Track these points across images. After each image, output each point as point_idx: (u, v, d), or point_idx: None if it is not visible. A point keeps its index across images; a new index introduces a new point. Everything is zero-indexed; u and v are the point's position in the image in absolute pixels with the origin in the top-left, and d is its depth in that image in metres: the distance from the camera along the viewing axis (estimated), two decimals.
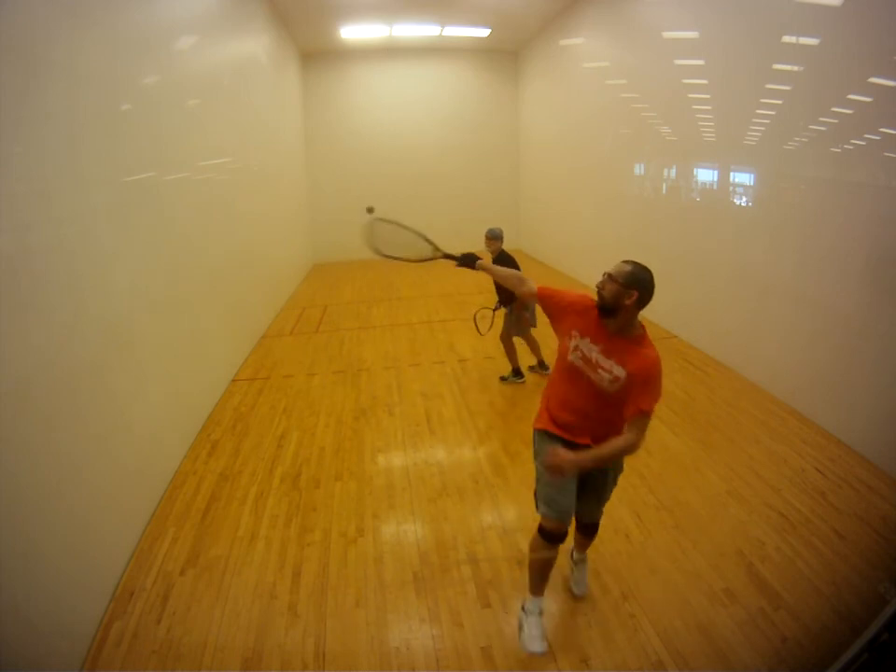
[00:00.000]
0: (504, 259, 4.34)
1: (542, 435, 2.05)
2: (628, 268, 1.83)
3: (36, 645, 1.93)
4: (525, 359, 4.81)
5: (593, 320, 1.89)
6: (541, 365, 4.71)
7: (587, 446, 1.89)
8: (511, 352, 4.61)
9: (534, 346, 4.65)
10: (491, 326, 4.57)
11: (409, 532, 2.82)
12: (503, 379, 4.67)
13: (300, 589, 2.46)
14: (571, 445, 1.90)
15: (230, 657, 2.13)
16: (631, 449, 1.77)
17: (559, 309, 2.01)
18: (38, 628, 1.93)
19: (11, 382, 1.96)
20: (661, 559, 2.54)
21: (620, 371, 1.79)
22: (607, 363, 1.82)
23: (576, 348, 1.90)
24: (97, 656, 2.15)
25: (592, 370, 1.85)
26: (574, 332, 1.92)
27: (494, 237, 4.38)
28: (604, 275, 1.88)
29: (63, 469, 2.23)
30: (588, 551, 2.42)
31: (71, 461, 2.30)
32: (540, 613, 2.06)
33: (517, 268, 4.32)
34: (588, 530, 2.29)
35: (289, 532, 2.85)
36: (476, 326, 4.43)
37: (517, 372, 4.65)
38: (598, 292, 1.86)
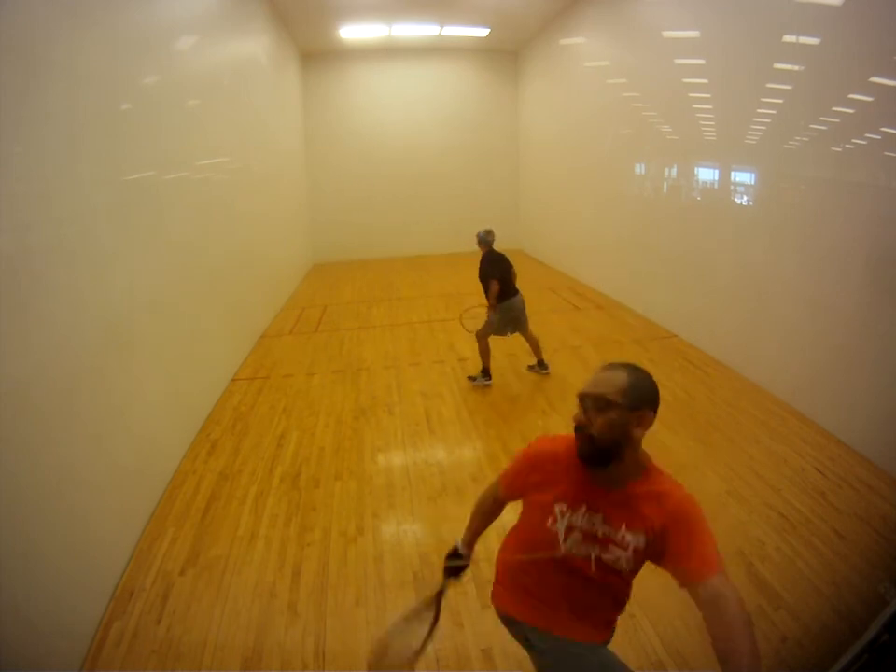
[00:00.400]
0: (491, 259, 4.39)
1: (504, 620, 1.47)
2: (624, 377, 1.18)
3: (36, 645, 1.93)
4: (524, 359, 4.82)
5: (578, 477, 1.26)
6: (541, 364, 4.70)
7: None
8: (483, 351, 4.55)
9: (534, 345, 4.65)
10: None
11: (409, 532, 2.82)
12: (471, 378, 4.60)
13: (299, 588, 2.46)
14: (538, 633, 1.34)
15: (229, 656, 2.13)
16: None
17: (527, 486, 1.37)
18: (38, 628, 1.93)
19: (11, 382, 1.96)
20: None
21: (638, 539, 1.19)
22: (618, 535, 1.21)
23: (570, 530, 1.25)
24: (97, 656, 2.15)
25: (602, 550, 1.23)
26: (559, 507, 1.26)
27: (479, 241, 4.48)
28: (583, 400, 1.20)
29: (63, 468, 2.23)
30: None
31: (70, 461, 2.30)
32: None
33: (506, 268, 4.37)
34: None
35: (289, 531, 2.85)
36: (462, 324, 4.63)
37: (485, 372, 4.57)
38: (583, 432, 1.21)
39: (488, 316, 4.46)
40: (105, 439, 2.63)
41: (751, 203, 4.48)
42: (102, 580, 2.45)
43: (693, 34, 4.95)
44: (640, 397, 1.17)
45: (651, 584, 2.38)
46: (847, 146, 3.37)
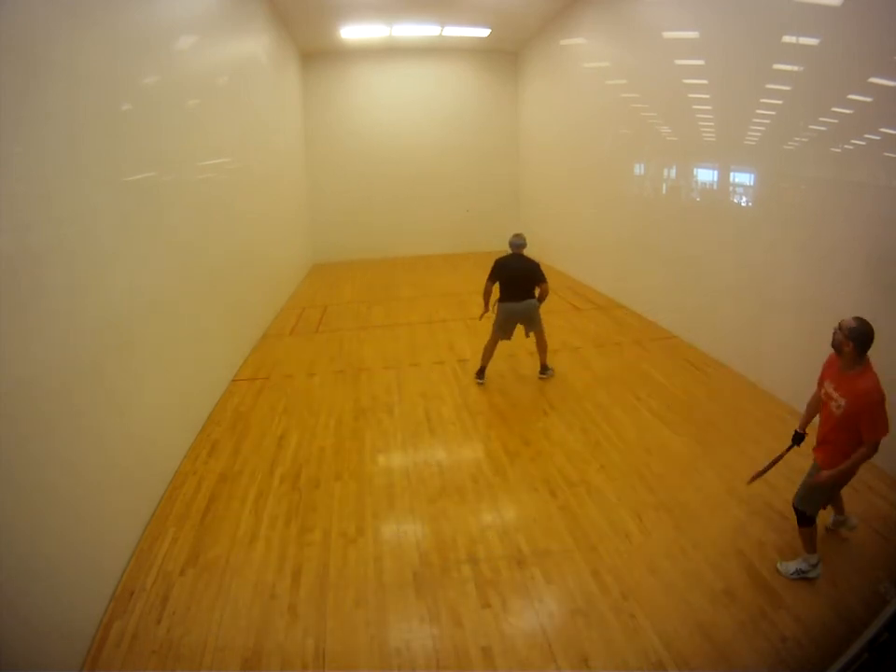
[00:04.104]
0: (497, 263, 4.38)
1: None
2: (853, 324, 2.23)
3: (36, 645, 1.94)
4: (525, 360, 4.81)
5: (834, 367, 2.41)
6: (542, 369, 4.67)
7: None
8: (485, 350, 4.58)
9: (541, 349, 4.62)
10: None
11: (409, 532, 2.82)
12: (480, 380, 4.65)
13: (300, 589, 2.46)
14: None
15: (229, 657, 2.13)
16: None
17: (821, 380, 2.53)
18: (38, 628, 1.93)
19: (11, 382, 1.96)
20: (661, 559, 2.54)
21: (842, 401, 2.27)
22: (836, 395, 2.31)
23: (826, 394, 2.39)
24: (97, 656, 2.15)
25: (830, 400, 2.35)
26: (826, 383, 2.43)
27: (515, 246, 4.43)
28: (837, 327, 2.30)
29: (63, 468, 2.23)
30: (587, 550, 2.49)
31: (70, 461, 2.30)
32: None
33: (510, 273, 4.34)
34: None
35: (289, 532, 2.85)
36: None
37: (479, 371, 4.62)
38: (834, 341, 2.32)
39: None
40: (105, 439, 2.63)
41: (751, 203, 4.49)
42: (102, 580, 2.45)
43: (693, 34, 4.95)
44: (854, 337, 2.19)
45: (651, 584, 2.39)
46: (847, 146, 3.37)
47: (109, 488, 2.59)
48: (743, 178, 4.59)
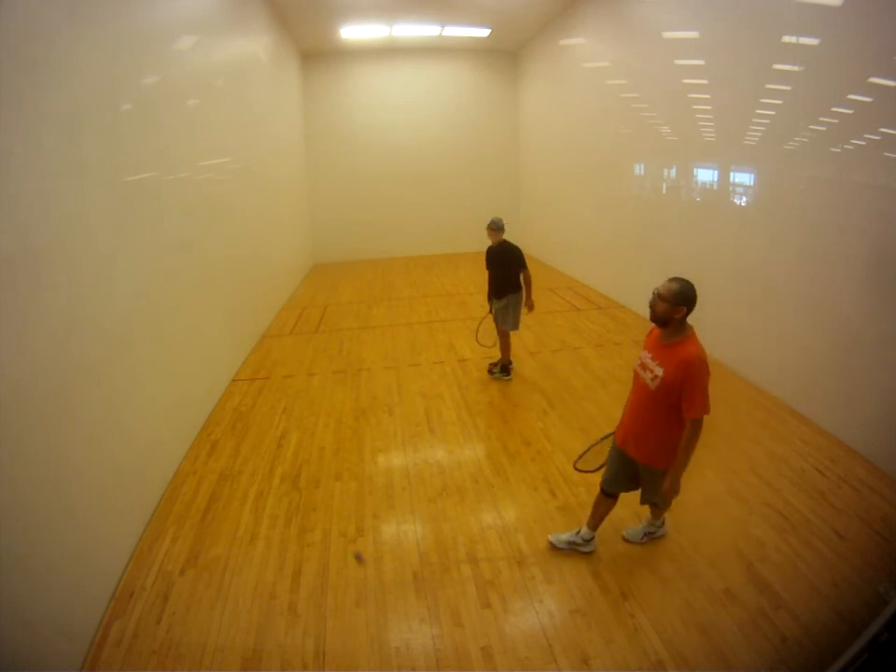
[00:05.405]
0: (506, 250, 4.36)
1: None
2: (675, 286, 2.04)
3: (36, 645, 1.93)
4: (526, 360, 4.81)
5: (654, 336, 2.25)
6: (502, 369, 4.67)
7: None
8: (504, 346, 4.63)
9: (503, 347, 4.66)
10: (494, 343, 4.73)
11: (409, 532, 2.82)
12: (492, 373, 4.71)
13: (300, 589, 2.46)
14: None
15: (229, 657, 2.13)
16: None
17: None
18: (38, 628, 1.94)
19: (11, 382, 1.96)
20: (661, 559, 2.54)
21: (658, 370, 2.12)
22: (653, 364, 2.17)
23: (641, 363, 2.26)
24: (97, 656, 2.15)
25: (645, 371, 2.21)
26: (642, 353, 2.28)
27: (496, 228, 4.41)
28: (655, 293, 2.11)
29: (63, 469, 2.23)
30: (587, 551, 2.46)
31: (71, 461, 2.30)
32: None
33: (522, 261, 4.35)
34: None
35: (289, 532, 2.85)
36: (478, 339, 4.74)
37: (504, 369, 4.65)
38: (652, 310, 2.13)
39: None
40: (105, 439, 2.63)
41: (751, 203, 4.48)
42: (102, 580, 2.45)
43: (693, 34, 4.95)
44: (680, 301, 2.02)
45: (651, 584, 2.39)
46: (847, 146, 3.37)
47: (109, 488, 2.59)
48: (743, 178, 4.58)
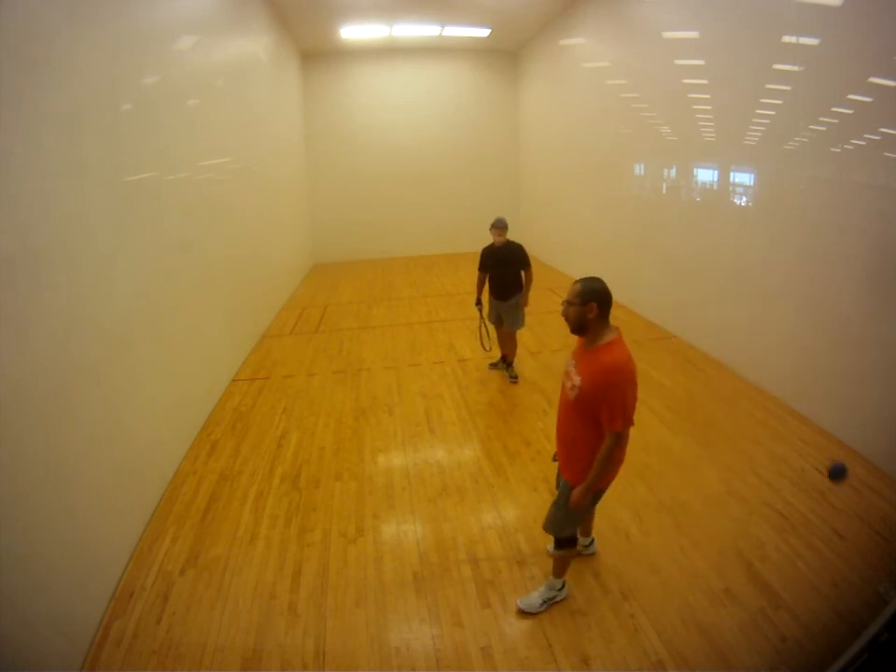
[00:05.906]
0: (511, 249, 4.35)
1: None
2: (578, 287, 1.91)
3: (36, 645, 1.94)
4: (526, 360, 4.81)
5: (579, 344, 2.06)
6: (503, 360, 4.72)
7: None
8: (512, 346, 4.64)
9: (510, 348, 4.67)
10: (491, 347, 4.74)
11: (409, 532, 2.82)
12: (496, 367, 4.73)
13: (300, 589, 2.46)
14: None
15: (229, 657, 2.13)
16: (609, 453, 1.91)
17: None
18: (38, 628, 1.94)
19: (11, 382, 1.96)
20: (661, 559, 2.54)
21: (577, 379, 1.94)
22: (573, 373, 1.99)
23: (566, 371, 2.07)
24: (97, 656, 2.15)
25: (568, 380, 2.03)
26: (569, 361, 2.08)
27: (501, 227, 4.38)
28: (564, 302, 1.96)
29: (63, 469, 2.23)
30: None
31: (70, 461, 2.30)
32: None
33: (528, 260, 4.34)
34: None
35: (289, 532, 2.85)
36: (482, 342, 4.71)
37: (510, 365, 4.66)
38: (566, 319, 1.97)
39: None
40: (105, 439, 2.63)
41: (751, 203, 4.48)
42: (102, 580, 2.45)
43: (693, 34, 4.95)
44: (588, 297, 1.85)
45: (651, 584, 2.39)
46: (847, 146, 3.36)
47: (109, 488, 2.59)
48: (743, 178, 4.58)
